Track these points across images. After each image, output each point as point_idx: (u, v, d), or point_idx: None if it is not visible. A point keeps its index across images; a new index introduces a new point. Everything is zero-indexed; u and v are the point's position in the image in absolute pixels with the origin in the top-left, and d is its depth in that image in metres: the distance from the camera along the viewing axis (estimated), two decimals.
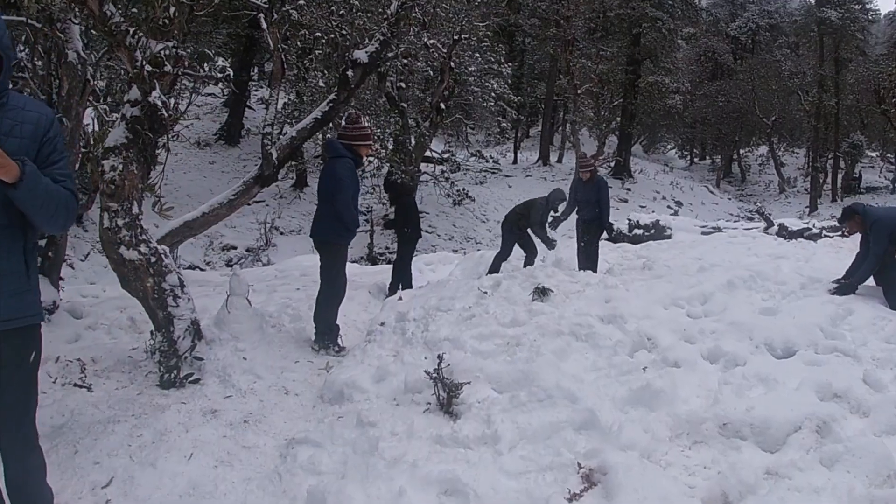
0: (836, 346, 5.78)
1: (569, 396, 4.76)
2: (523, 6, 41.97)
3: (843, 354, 5.66)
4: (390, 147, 22.49)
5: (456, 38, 20.76)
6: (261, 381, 5.98)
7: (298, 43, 12.27)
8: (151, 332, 6.26)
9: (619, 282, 8.03)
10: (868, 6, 43.69)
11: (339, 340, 7.23)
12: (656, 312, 6.71)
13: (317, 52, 12.35)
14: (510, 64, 27.19)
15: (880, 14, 46.54)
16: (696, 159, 52.75)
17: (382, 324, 7.27)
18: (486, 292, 7.62)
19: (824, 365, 5.42)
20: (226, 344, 6.22)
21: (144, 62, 6.39)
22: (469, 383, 4.98)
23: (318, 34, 12.09)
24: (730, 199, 41.10)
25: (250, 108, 30.53)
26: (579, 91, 32.28)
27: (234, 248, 21.87)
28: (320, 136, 16.36)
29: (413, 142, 21.61)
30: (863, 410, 4.76)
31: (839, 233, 16.94)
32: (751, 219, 34.27)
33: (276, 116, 12.14)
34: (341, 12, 12.35)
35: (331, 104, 11.98)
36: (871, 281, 7.54)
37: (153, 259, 6.21)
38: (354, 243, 23.51)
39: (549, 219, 11.13)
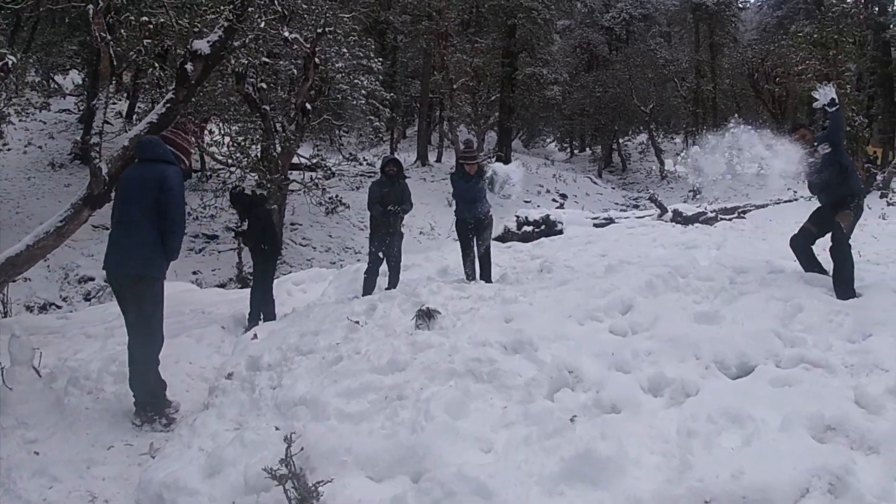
0: (801, 355, 4.71)
1: (478, 491, 3.33)
2: (394, 2, 40.67)
3: (812, 366, 4.58)
4: (254, 155, 20.59)
5: (320, 31, 19.09)
6: (58, 485, 4.34)
7: (122, 32, 10.26)
8: None
9: (518, 293, 6.70)
10: None
11: (167, 408, 5.43)
12: (571, 330, 5.44)
13: (145, 41, 10.35)
14: (381, 60, 25.68)
15: (750, 1, 48.04)
16: (576, 151, 52.84)
17: (230, 375, 5.68)
18: (357, 322, 6.13)
19: (797, 384, 4.30)
20: (10, 434, 4.53)
21: None
22: (331, 481, 3.46)
23: (144, 18, 10.17)
24: (613, 188, 41.03)
25: (108, 122, 27.76)
26: (455, 86, 31.18)
27: (92, 279, 19.43)
28: None
29: (279, 148, 19.77)
30: (868, 444, 3.62)
31: (734, 214, 16.43)
32: (636, 206, 34.27)
33: (104, 123, 10.21)
34: None
35: (168, 105, 10.19)
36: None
37: None
38: (220, 264, 21.64)
39: None
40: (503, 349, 5.04)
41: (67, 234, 10.26)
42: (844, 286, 6.07)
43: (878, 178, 22.26)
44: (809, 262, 6.81)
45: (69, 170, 25.41)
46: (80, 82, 29.96)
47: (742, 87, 43.31)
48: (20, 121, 21.19)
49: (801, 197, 23.97)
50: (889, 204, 19.07)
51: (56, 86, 30.04)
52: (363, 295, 9.24)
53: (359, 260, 20.86)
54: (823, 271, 6.64)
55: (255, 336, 6.75)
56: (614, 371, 4.60)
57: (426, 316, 5.97)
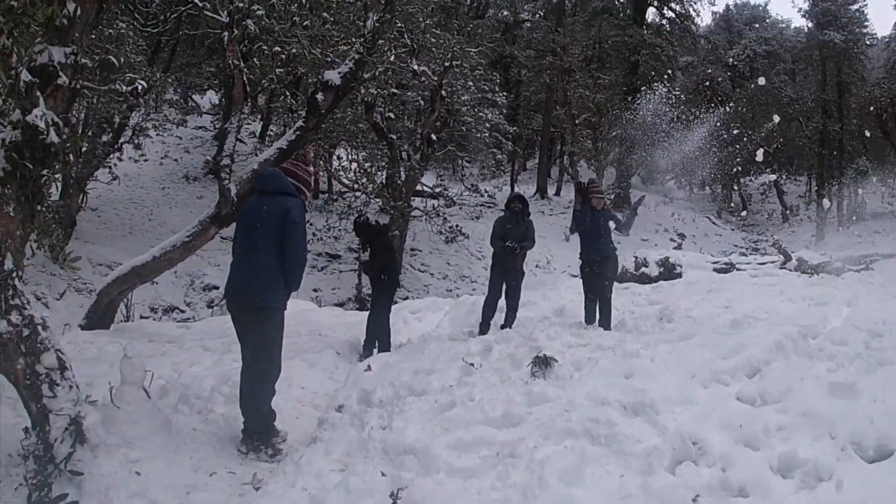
0: None
1: None
2: (518, 38, 40.91)
3: None
4: (379, 181, 21.02)
5: (447, 65, 19.37)
6: None
7: (256, 61, 10.65)
8: (25, 430, 4.67)
9: (639, 345, 6.42)
10: (866, 30, 42.65)
11: (275, 438, 5.38)
12: (696, 394, 5.11)
13: (277, 70, 10.71)
14: (505, 94, 25.81)
15: (877, 37, 45.47)
16: (695, 189, 51.34)
17: (340, 407, 5.67)
18: (472, 364, 6.02)
19: None
20: (114, 452, 4.58)
21: (21, 69, 4.88)
22: None
23: (277, 49, 10.52)
24: (733, 229, 39.46)
25: (241, 141, 29.06)
26: (577, 121, 30.95)
27: (216, 287, 20.26)
28: None
29: (403, 175, 20.12)
30: None
31: (862, 265, 15.45)
32: (756, 249, 32.88)
33: (235, 145, 10.61)
34: (305, 23, 10.85)
35: (298, 132, 10.50)
36: None
37: (26, 332, 4.64)
38: (340, 283, 22.14)
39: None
40: (623, 409, 4.80)
41: (194, 248, 10.72)
42: None
43: None
44: None
45: (202, 183, 26.66)
46: (217, 102, 31.59)
47: (870, 128, 40.80)
48: (157, 135, 22.39)
49: None
50: None
51: (193, 104, 31.79)
52: (480, 327, 9.17)
53: (475, 290, 20.88)
54: None
55: (369, 367, 6.75)
56: (742, 446, 4.25)
57: (543, 364, 5.79)
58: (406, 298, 20.69)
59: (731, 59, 52.59)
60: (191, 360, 7.80)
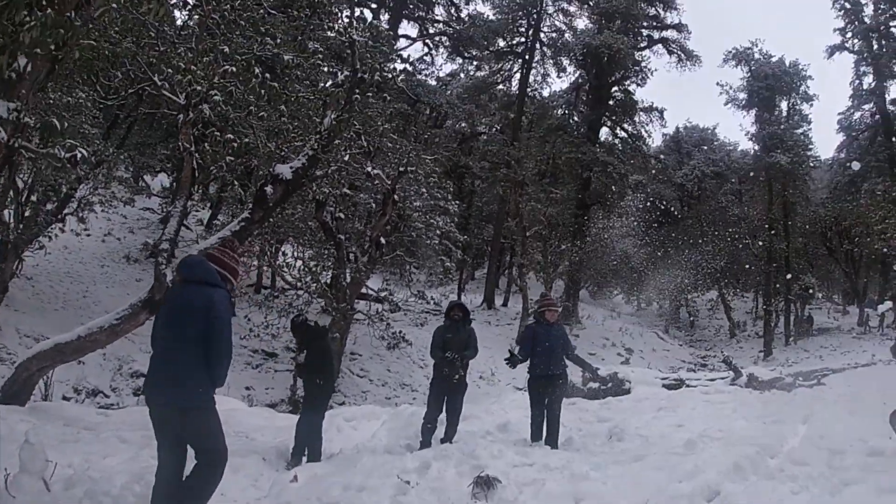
0: None
1: None
2: (474, 149, 41.74)
3: None
4: (324, 281, 20.57)
5: (402, 170, 19.37)
6: None
7: (207, 146, 10.36)
8: None
9: (589, 466, 6.02)
10: (811, 152, 44.65)
11: None
12: None
13: (228, 158, 10.43)
14: (458, 203, 25.91)
15: (820, 160, 47.64)
16: (642, 305, 51.92)
17: None
18: (407, 482, 5.54)
19: None
20: None
21: None
22: None
23: (230, 136, 10.25)
24: (681, 345, 39.63)
25: (187, 227, 28.35)
26: (528, 234, 31.18)
27: (144, 375, 19.26)
28: None
29: (348, 277, 19.72)
30: None
31: (813, 381, 15.42)
32: (704, 365, 32.96)
33: (178, 230, 10.20)
34: (262, 114, 10.67)
35: (243, 223, 10.16)
36: None
37: None
38: (275, 383, 21.25)
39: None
40: None
41: (122, 332, 10.16)
42: None
43: None
44: None
45: (143, 265, 25.79)
46: (168, 185, 31.15)
47: (815, 246, 42.74)
48: (103, 211, 21.78)
49: (880, 360, 22.78)
50: None
51: (144, 184, 31.28)
52: (420, 445, 8.65)
53: (415, 399, 20.22)
54: None
55: (295, 478, 6.23)
56: None
57: (485, 484, 5.37)
58: (342, 404, 19.99)
59: (680, 179, 54.34)
60: (105, 450, 7.24)
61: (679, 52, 42.19)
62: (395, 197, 19.60)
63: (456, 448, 6.51)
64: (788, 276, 38.68)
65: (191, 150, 10.05)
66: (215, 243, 10.07)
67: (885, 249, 31.12)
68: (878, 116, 43.96)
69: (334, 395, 20.48)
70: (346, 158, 15.57)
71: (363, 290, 21.26)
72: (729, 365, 16.02)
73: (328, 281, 20.56)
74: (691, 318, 46.54)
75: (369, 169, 18.70)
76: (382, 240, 20.08)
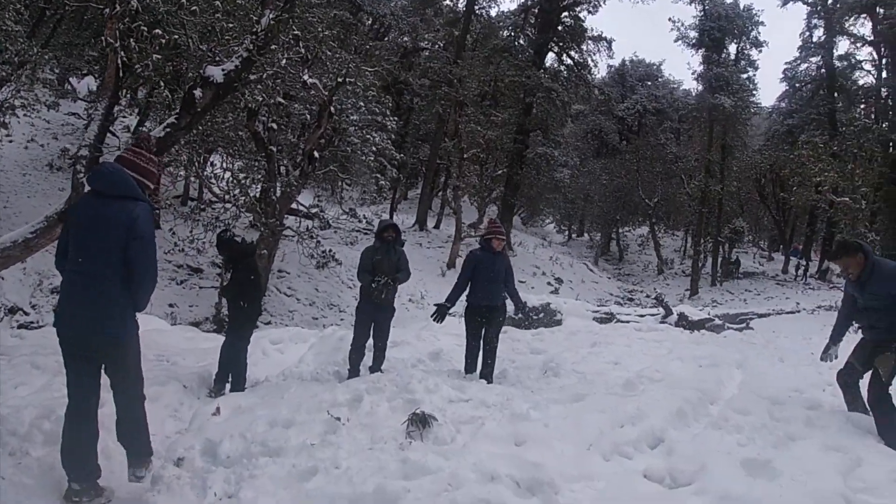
0: None
1: None
2: (415, 65, 40.58)
3: None
4: (253, 195, 19.72)
5: (340, 80, 18.50)
6: None
7: (133, 42, 9.44)
8: None
9: (528, 404, 5.75)
10: (754, 98, 45.33)
11: (99, 498, 4.34)
12: (597, 468, 4.58)
13: (155, 56, 9.55)
14: (395, 119, 25.07)
15: (761, 107, 48.43)
16: (574, 235, 52.43)
17: (180, 460, 4.72)
18: (338, 418, 5.18)
19: None
20: None
21: None
22: None
23: (158, 31, 9.36)
24: (609, 278, 40.11)
25: (113, 134, 26.59)
26: (465, 155, 30.66)
27: None
28: None
29: (279, 191, 18.97)
30: None
31: (742, 324, 15.65)
32: (631, 300, 33.55)
33: (102, 138, 9.41)
34: (194, 9, 9.78)
35: (168, 129, 9.36)
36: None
37: None
38: (199, 300, 20.59)
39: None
40: (516, 487, 4.11)
41: (37, 247, 9.39)
42: (891, 434, 5.44)
43: None
44: (854, 402, 6.08)
45: (67, 174, 24.37)
46: (95, 89, 29.29)
47: (747, 191, 43.63)
48: (25, 115, 20.40)
49: (804, 309, 23.49)
50: None
51: (70, 87, 29.40)
52: (349, 373, 8.28)
53: (342, 320, 19.84)
54: (867, 411, 5.89)
55: (218, 411, 5.81)
56: None
57: (420, 422, 5.05)
58: (269, 324, 19.48)
59: (621, 112, 54.43)
60: (17, 378, 6.60)
61: None
62: (332, 109, 18.79)
63: (389, 380, 6.16)
64: (721, 217, 39.47)
65: (115, 45, 9.18)
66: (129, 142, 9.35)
67: (820, 203, 31.93)
68: (823, 70, 44.74)
69: (260, 315, 19.99)
70: (283, 63, 14.72)
71: (293, 206, 20.57)
72: (660, 303, 16.11)
73: (257, 195, 19.75)
74: (621, 252, 47.20)
75: (306, 77, 17.79)
76: (316, 153, 19.34)
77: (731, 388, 7.07)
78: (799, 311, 23.35)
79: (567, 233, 52.24)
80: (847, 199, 22.58)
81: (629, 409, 5.53)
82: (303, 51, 17.92)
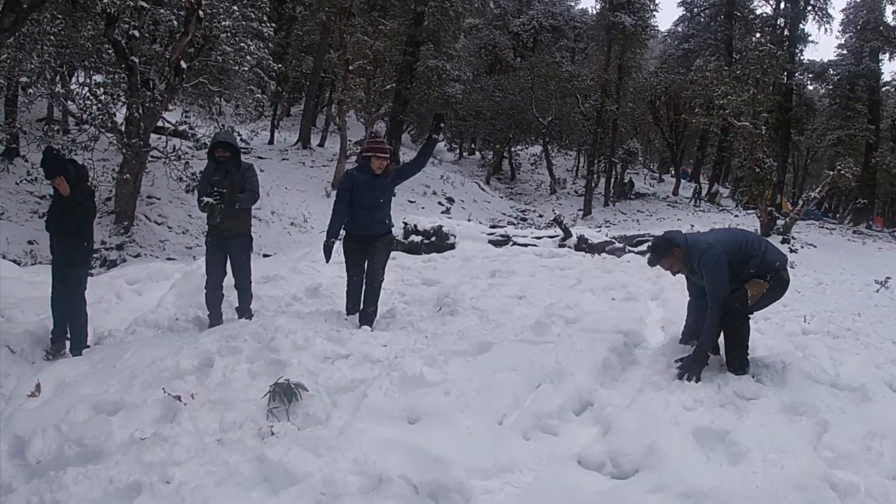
0: None
1: None
2: None
3: None
4: (113, 112, 17.67)
5: None
6: None
7: None
8: None
9: (422, 361, 4.77)
10: (654, 20, 45.32)
11: None
12: (517, 454, 3.75)
13: None
14: (273, 25, 23.05)
15: (658, 30, 48.41)
16: (465, 154, 51.51)
17: None
18: (179, 398, 4.11)
19: None
20: None
21: None
22: None
23: None
24: (501, 197, 39.40)
25: None
26: (351, 67, 28.86)
27: None
28: None
29: (142, 109, 17.04)
30: None
31: (641, 247, 15.25)
32: (524, 219, 33.22)
33: None
34: None
35: None
36: None
37: None
38: (11, 237, 18.41)
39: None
40: (414, 493, 3.21)
41: None
42: (739, 360, 5.02)
43: (779, 223, 21.95)
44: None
45: None
46: None
47: (642, 113, 43.80)
48: None
49: (699, 231, 23.49)
50: (792, 251, 18.57)
51: None
52: (209, 320, 7.15)
53: None
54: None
55: (38, 389, 4.66)
56: None
57: (285, 395, 4.06)
58: (138, 256, 17.82)
59: (516, 28, 53.17)
60: None
61: None
62: (200, 13, 16.86)
63: (249, 332, 5.06)
64: (615, 138, 39.55)
65: None
66: None
67: (712, 126, 32.04)
68: None
69: (130, 244, 18.21)
70: None
71: (160, 124, 18.69)
72: (559, 224, 15.42)
73: (125, 116, 17.69)
74: (513, 172, 46.71)
75: None
76: (183, 64, 17.43)
77: (654, 327, 6.37)
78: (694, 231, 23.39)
79: (458, 151, 51.22)
80: (748, 123, 22.47)
81: (547, 364, 4.66)
82: None
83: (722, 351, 5.18)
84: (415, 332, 6.32)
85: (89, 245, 6.71)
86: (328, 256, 6.82)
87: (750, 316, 5.09)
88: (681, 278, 5.61)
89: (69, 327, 6.58)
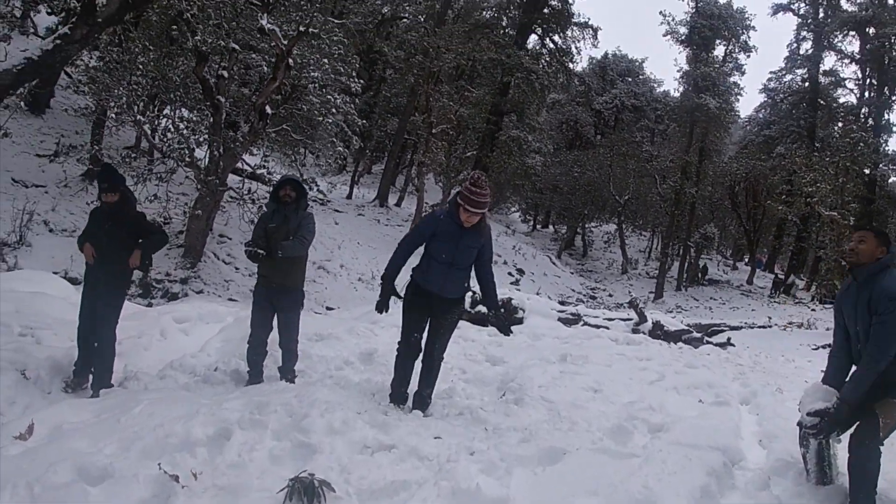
0: None
1: None
2: (392, 35, 38.44)
3: None
4: (193, 147, 17.51)
5: (302, 29, 16.46)
6: None
7: None
8: None
9: (479, 466, 3.92)
10: (738, 104, 44.92)
11: None
12: None
13: None
14: (362, 82, 22.91)
15: (739, 115, 47.82)
16: (539, 226, 50.83)
17: None
18: (175, 477, 3.33)
19: None
20: None
21: None
22: None
23: None
24: (572, 273, 38.21)
25: (67, 74, 23.52)
26: (434, 131, 28.66)
27: None
28: None
29: (222, 148, 16.84)
30: None
31: (723, 339, 14.17)
32: (594, 297, 32.23)
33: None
34: None
35: (59, 41, 7.39)
36: None
37: None
38: (76, 254, 18.14)
39: None
40: None
41: None
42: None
43: None
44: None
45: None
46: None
47: (720, 197, 42.66)
48: None
49: (776, 325, 22.38)
50: None
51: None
52: (249, 376, 6.45)
53: None
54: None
55: (29, 433, 4.00)
56: None
57: (306, 494, 3.26)
58: (201, 292, 17.51)
59: (599, 105, 53.07)
60: None
61: None
62: (290, 62, 16.74)
63: (281, 402, 4.27)
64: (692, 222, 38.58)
65: None
66: (20, 63, 7.37)
67: (792, 215, 30.81)
68: (807, 84, 44.18)
69: (195, 279, 17.93)
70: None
71: (239, 165, 18.53)
72: (634, 307, 14.43)
73: (193, 147, 17.53)
74: (585, 248, 45.75)
75: (264, 23, 15.83)
76: (269, 109, 17.31)
77: (751, 441, 5.36)
78: (771, 327, 22.36)
79: (532, 223, 50.57)
80: (836, 213, 21.29)
81: (632, 488, 3.75)
82: None
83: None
84: (474, 421, 5.44)
85: (125, 267, 6.15)
86: (383, 305, 5.61)
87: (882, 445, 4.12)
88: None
89: (96, 360, 5.98)
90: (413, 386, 5.86)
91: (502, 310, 13.57)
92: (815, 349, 16.78)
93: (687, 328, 14.03)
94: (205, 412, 4.02)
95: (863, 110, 42.58)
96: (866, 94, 43.04)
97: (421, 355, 5.77)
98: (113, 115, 18.20)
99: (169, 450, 3.62)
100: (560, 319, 13.95)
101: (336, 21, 19.30)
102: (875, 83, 42.55)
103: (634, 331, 13.60)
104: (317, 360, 7.31)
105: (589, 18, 42.21)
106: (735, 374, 8.36)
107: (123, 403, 4.54)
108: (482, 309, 13.69)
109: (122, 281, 6.21)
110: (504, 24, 38.99)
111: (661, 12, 50.74)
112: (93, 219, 6.24)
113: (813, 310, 28.96)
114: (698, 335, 13.71)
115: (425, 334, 5.73)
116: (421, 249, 5.66)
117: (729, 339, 14.08)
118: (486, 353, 8.98)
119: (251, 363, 6.41)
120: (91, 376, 6.03)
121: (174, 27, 17.09)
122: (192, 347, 7.71)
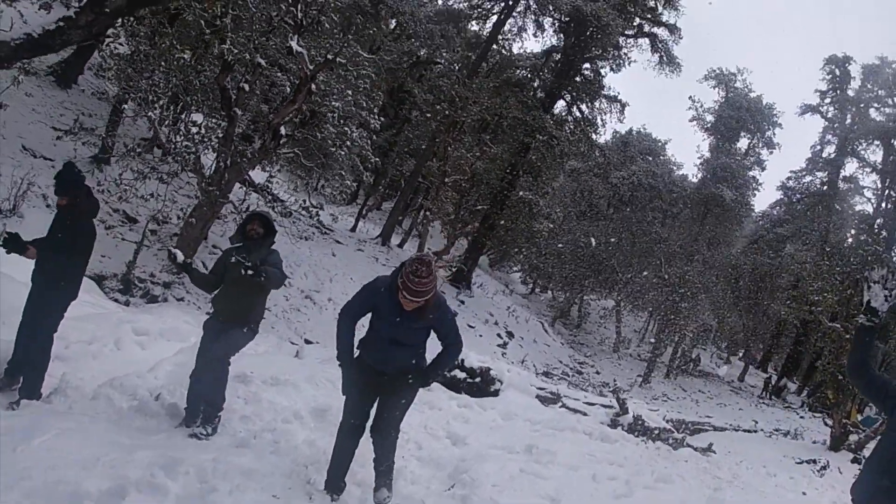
0: None
1: None
2: (424, 78, 38.56)
3: None
4: (202, 152, 17.24)
5: (330, 57, 16.27)
6: None
7: None
8: None
9: None
10: (754, 199, 45.06)
11: None
12: None
13: None
14: (383, 119, 22.69)
15: (753, 209, 47.89)
16: (537, 290, 50.37)
17: None
18: None
19: None
20: None
21: None
22: None
23: None
24: (562, 343, 37.46)
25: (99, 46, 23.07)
26: (447, 180, 28.44)
27: None
28: None
29: (229, 159, 16.51)
30: None
31: (704, 444, 13.61)
32: (580, 372, 31.62)
33: None
34: None
35: (62, 23, 7.10)
36: None
37: None
38: (114, 253, 17.94)
39: None
40: None
41: None
42: None
43: (852, 438, 19.69)
44: None
45: (38, 82, 21.70)
46: None
47: (722, 288, 41.77)
48: None
49: (762, 430, 21.85)
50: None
51: None
52: (184, 414, 5.97)
53: (264, 318, 17.33)
54: None
55: None
56: None
57: None
58: (182, 299, 17.10)
59: (615, 180, 53.04)
60: None
61: (663, 54, 39.43)
62: (313, 87, 16.51)
63: (194, 464, 3.78)
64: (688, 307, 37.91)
65: None
66: (19, 37, 7.07)
67: (792, 318, 30.36)
68: (825, 187, 44.15)
69: (178, 286, 17.47)
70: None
71: (244, 179, 18.24)
72: (616, 398, 13.92)
73: (212, 165, 17.25)
74: (580, 320, 45.20)
75: (293, 44, 15.67)
76: (283, 130, 17.03)
77: None
78: (756, 432, 21.86)
79: (532, 286, 50.16)
80: (839, 325, 20.80)
81: None
82: (297, 13, 15.86)
83: None
84: None
85: (80, 269, 5.75)
86: (345, 386, 5.17)
87: None
88: None
89: (28, 364, 5.56)
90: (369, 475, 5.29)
91: (477, 378, 13.10)
92: (799, 463, 16.17)
93: (668, 428, 13.54)
94: (105, 462, 3.57)
95: (878, 220, 42.52)
96: (883, 204, 43.06)
97: (368, 431, 5.19)
98: (130, 106, 18.03)
99: (55, 499, 3.16)
100: (538, 397, 13.42)
101: (367, 56, 19.09)
102: (894, 195, 42.66)
103: (614, 421, 13.04)
104: (266, 407, 6.81)
105: (619, 93, 42.08)
106: (712, 488, 7.81)
107: (31, 427, 4.09)
108: (458, 375, 13.11)
109: (61, 288, 5.77)
110: (536, 84, 38.93)
111: (690, 97, 51.15)
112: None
113: (801, 416, 28.39)
114: (680, 436, 13.21)
115: (373, 411, 5.17)
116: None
117: (710, 444, 13.51)
118: (448, 430, 8.38)
119: (190, 400, 5.94)
120: (18, 388, 5.59)
121: (207, 31, 16.99)
122: (142, 365, 7.27)
